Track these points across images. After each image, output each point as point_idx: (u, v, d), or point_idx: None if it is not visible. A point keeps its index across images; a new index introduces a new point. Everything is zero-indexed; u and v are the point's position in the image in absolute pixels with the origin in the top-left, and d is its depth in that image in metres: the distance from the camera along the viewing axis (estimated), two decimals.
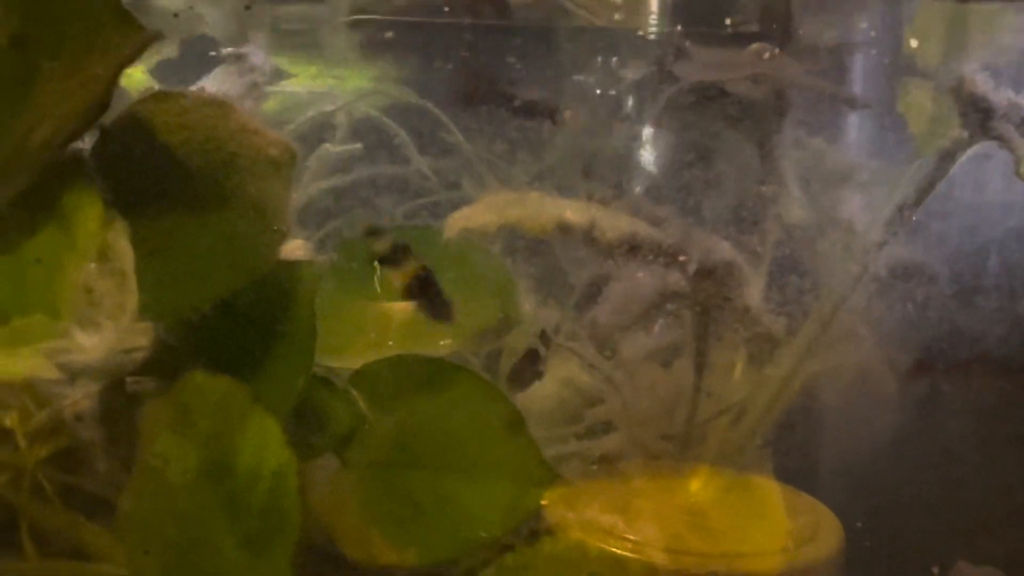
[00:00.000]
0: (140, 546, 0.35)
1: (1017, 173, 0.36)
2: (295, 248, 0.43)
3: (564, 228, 0.38)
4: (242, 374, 0.37)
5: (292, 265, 0.38)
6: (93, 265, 0.36)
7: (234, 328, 0.38)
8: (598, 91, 0.57)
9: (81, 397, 0.39)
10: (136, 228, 0.35)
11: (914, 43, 0.43)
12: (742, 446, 0.51)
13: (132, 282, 0.36)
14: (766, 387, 0.49)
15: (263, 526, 0.35)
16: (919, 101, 0.45)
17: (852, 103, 0.54)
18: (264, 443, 0.36)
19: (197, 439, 0.36)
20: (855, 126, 0.58)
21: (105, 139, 0.35)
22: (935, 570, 0.41)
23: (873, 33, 0.52)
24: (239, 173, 0.36)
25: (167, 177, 0.35)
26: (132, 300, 0.36)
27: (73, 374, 0.38)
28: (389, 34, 0.56)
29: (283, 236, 0.36)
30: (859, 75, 0.56)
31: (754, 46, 0.51)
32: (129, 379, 0.39)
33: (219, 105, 0.36)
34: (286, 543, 0.35)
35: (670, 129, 0.56)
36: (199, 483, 0.35)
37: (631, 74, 0.55)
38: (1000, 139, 0.37)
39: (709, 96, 0.53)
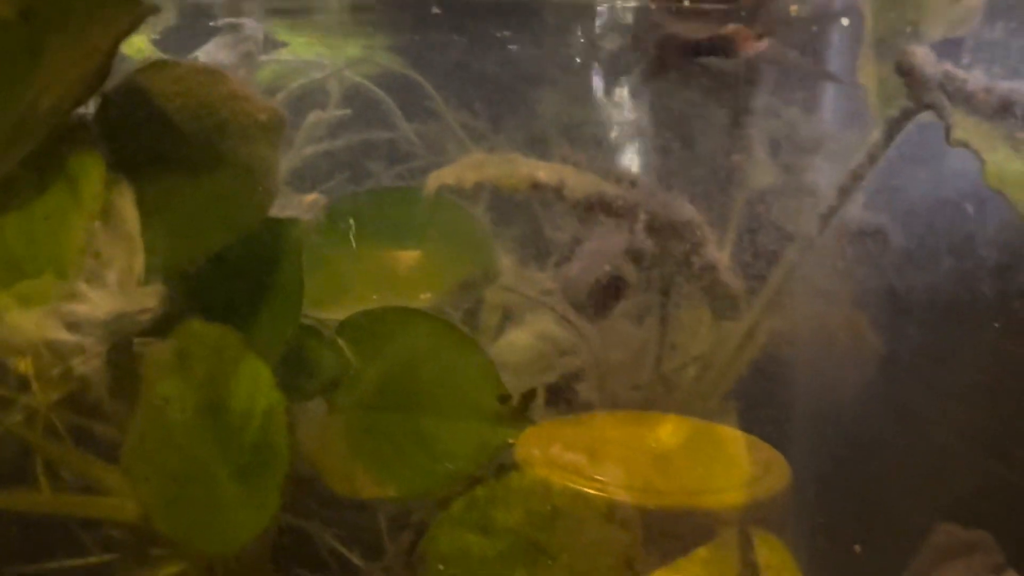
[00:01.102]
0: (142, 476, 0.38)
1: (948, 141, 0.38)
2: (313, 201, 0.45)
3: (535, 186, 0.41)
4: (235, 323, 0.40)
5: (280, 223, 0.41)
6: (99, 225, 0.38)
7: (228, 281, 0.41)
8: (578, 60, 0.60)
9: (92, 356, 0.41)
10: (135, 188, 0.38)
11: (868, 16, 0.45)
12: (707, 397, 0.55)
13: (139, 245, 0.39)
14: (729, 341, 0.52)
15: (254, 460, 0.38)
16: (875, 73, 0.47)
17: (827, 77, 0.57)
18: (255, 385, 0.39)
19: (194, 381, 0.39)
20: (825, 96, 0.60)
21: (107, 105, 0.38)
22: (856, 548, 0.44)
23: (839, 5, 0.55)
24: (230, 137, 0.39)
25: (163, 140, 0.38)
26: (139, 263, 0.39)
27: (83, 335, 0.40)
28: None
29: (272, 195, 0.40)
30: (828, 47, 0.58)
31: (730, 27, 0.53)
32: (137, 340, 0.42)
33: (212, 73, 0.39)
34: (275, 476, 0.38)
35: (645, 98, 0.58)
36: (196, 421, 0.39)
37: (608, 45, 0.58)
38: (933, 108, 0.39)
39: (683, 67, 0.55)
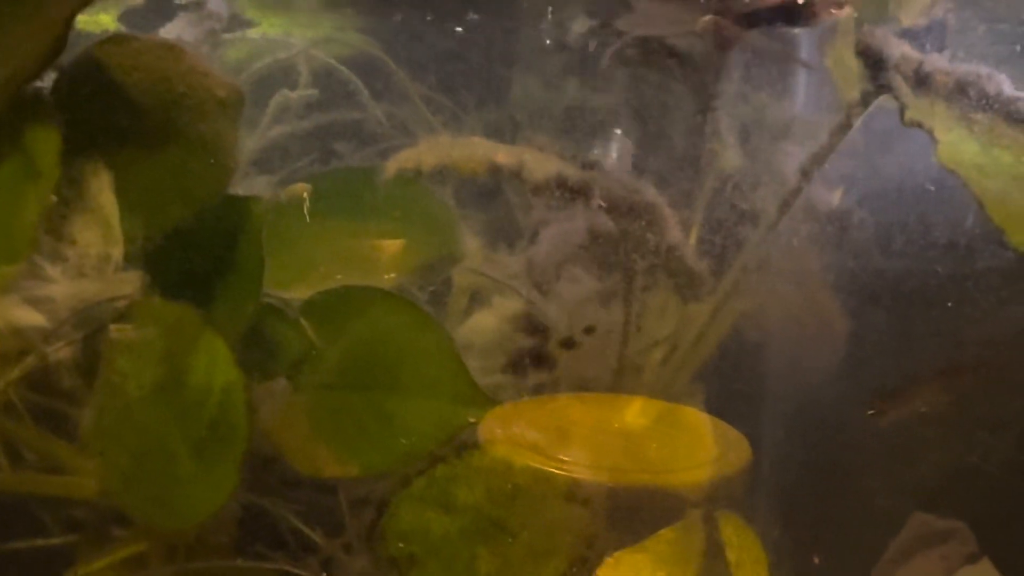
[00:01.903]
0: (101, 452, 0.38)
1: (902, 121, 0.39)
2: (299, 189, 0.45)
3: (495, 169, 0.41)
4: (195, 300, 0.40)
5: (240, 200, 0.41)
6: (75, 212, 0.38)
7: (187, 258, 0.41)
8: (548, 42, 0.60)
9: (66, 342, 0.41)
10: (92, 163, 0.37)
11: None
12: (674, 379, 0.55)
13: (117, 232, 0.39)
14: (694, 324, 0.52)
15: (212, 437, 0.38)
16: (840, 56, 0.47)
17: (796, 61, 0.57)
18: (214, 362, 0.39)
19: (153, 358, 0.39)
20: (795, 80, 0.61)
21: (64, 79, 0.38)
22: (815, 560, 0.45)
23: None
24: (188, 112, 0.38)
25: (121, 115, 0.38)
26: (117, 250, 0.39)
27: (57, 322, 0.40)
28: None
29: (231, 171, 0.39)
30: (798, 32, 0.59)
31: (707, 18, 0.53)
32: (113, 327, 0.41)
33: (170, 48, 0.39)
34: (234, 452, 0.39)
35: (616, 82, 0.58)
36: (154, 397, 0.39)
37: (578, 27, 0.58)
38: (889, 89, 0.40)
39: (652, 49, 0.55)
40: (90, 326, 0.40)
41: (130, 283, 0.40)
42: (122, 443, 0.39)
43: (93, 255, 0.39)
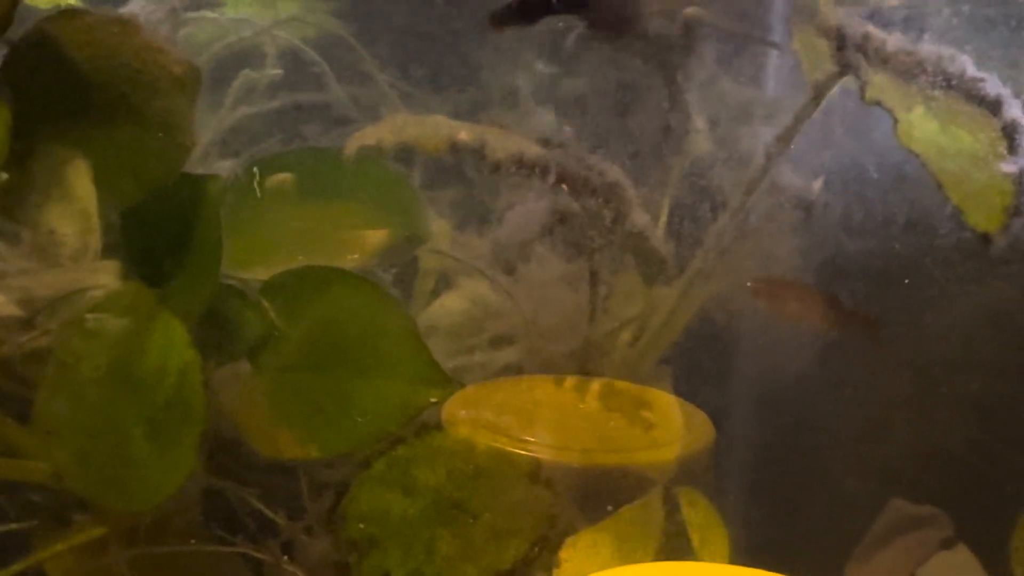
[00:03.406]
0: (54, 434, 0.38)
1: (863, 99, 0.39)
2: (283, 180, 0.44)
3: (456, 147, 0.41)
4: (151, 280, 0.40)
5: (198, 179, 0.40)
6: (53, 202, 0.37)
7: (143, 237, 0.40)
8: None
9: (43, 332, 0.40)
10: (44, 139, 0.37)
11: None
12: (641, 361, 0.55)
13: (95, 222, 0.38)
14: (661, 306, 0.52)
15: (168, 418, 0.38)
16: (807, 38, 0.47)
17: (763, 43, 0.57)
18: (170, 343, 0.38)
19: (107, 339, 0.38)
20: (765, 63, 0.61)
21: (13, 54, 0.37)
22: None
23: None
24: (143, 89, 0.38)
25: (73, 91, 0.37)
26: (95, 240, 0.38)
27: (34, 311, 0.39)
28: None
29: (187, 150, 0.39)
30: (768, 13, 0.58)
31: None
32: (88, 316, 0.41)
33: (124, 24, 0.38)
34: (191, 434, 0.38)
35: (584, 62, 0.58)
36: (109, 379, 0.38)
37: None
38: (849, 67, 0.39)
39: (621, 32, 0.55)
40: (65, 315, 0.40)
41: (108, 272, 0.39)
42: (76, 425, 0.38)
43: (70, 245, 0.38)
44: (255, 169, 0.41)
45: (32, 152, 0.36)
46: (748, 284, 0.49)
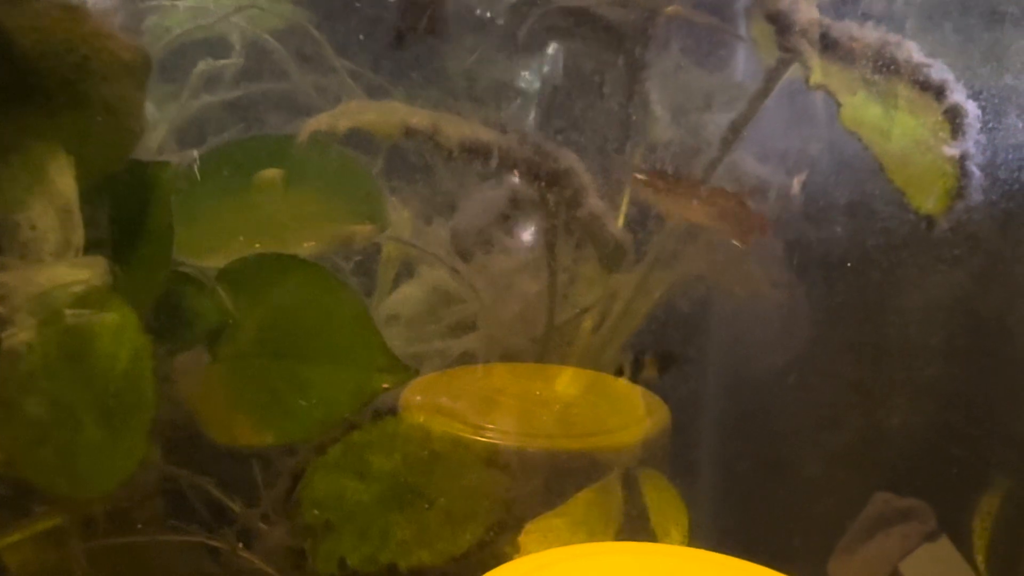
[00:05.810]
0: (3, 421, 0.38)
1: (807, 84, 0.39)
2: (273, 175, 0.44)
3: (409, 132, 0.41)
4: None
5: (148, 165, 0.40)
6: (35, 198, 0.37)
7: (93, 224, 0.40)
8: (477, 12, 0.59)
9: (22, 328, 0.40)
10: None
11: None
12: (603, 348, 0.55)
13: (78, 218, 0.38)
14: (621, 293, 0.53)
15: (119, 404, 0.38)
16: (762, 25, 0.48)
17: (721, 30, 0.57)
18: (121, 329, 0.38)
19: (58, 325, 0.38)
20: (726, 51, 0.61)
21: None
22: None
23: None
24: (92, 75, 0.38)
25: (20, 77, 0.37)
26: (78, 235, 0.38)
27: (13, 308, 0.39)
28: None
29: (136, 136, 0.39)
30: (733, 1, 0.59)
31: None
32: (68, 311, 0.41)
33: (72, 10, 0.38)
34: (142, 420, 0.38)
35: (545, 51, 0.58)
36: (60, 365, 0.38)
37: None
38: (794, 53, 0.40)
39: (582, 19, 0.55)
40: (46, 312, 0.40)
41: (91, 268, 0.39)
42: (26, 411, 0.38)
43: (52, 240, 0.38)
44: (195, 153, 0.41)
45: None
46: (638, 176, 0.49)
